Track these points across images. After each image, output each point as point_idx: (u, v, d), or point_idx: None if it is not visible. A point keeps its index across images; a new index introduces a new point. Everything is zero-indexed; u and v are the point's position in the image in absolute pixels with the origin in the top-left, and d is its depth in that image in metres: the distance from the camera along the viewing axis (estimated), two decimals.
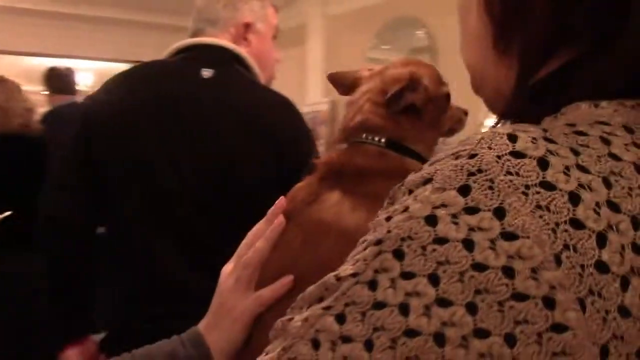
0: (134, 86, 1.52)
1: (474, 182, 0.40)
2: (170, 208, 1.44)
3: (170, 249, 1.42)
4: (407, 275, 0.40)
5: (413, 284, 0.39)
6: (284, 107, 1.53)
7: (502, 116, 0.52)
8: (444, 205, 0.40)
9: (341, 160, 0.68)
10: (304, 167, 1.31)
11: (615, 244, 0.39)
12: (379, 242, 0.42)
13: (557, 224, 0.39)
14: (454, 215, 0.40)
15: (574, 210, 0.39)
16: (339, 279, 0.44)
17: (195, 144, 1.45)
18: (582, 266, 0.38)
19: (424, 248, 0.40)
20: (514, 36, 0.49)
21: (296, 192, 0.70)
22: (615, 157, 0.42)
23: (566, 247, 0.38)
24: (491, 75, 0.54)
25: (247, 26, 1.60)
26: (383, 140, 0.67)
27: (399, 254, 0.41)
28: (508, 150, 0.41)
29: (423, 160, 0.69)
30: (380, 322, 0.40)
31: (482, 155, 0.41)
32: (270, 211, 0.71)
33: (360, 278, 0.42)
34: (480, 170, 0.40)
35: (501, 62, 0.51)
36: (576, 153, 0.41)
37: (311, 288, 0.47)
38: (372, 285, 0.41)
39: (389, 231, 0.42)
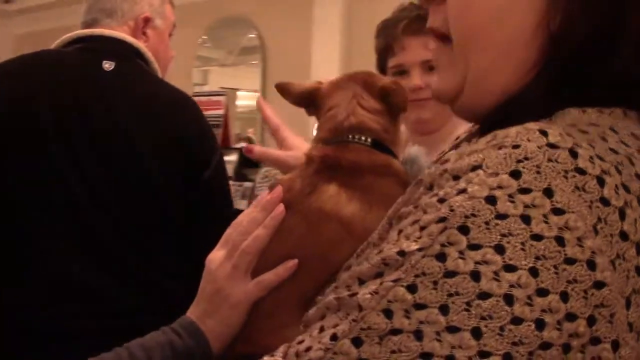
0: (28, 75, 1.46)
1: (523, 167, 0.47)
2: (74, 207, 1.39)
3: (74, 249, 1.38)
4: (474, 247, 0.46)
5: (481, 254, 0.45)
6: (187, 104, 1.53)
7: (493, 120, 0.56)
8: (500, 187, 0.47)
9: (336, 155, 0.72)
10: (209, 164, 1.46)
11: (631, 217, 0.48)
12: (442, 219, 0.47)
13: (591, 202, 0.47)
14: (510, 195, 0.46)
15: (601, 190, 0.47)
16: (402, 254, 0.48)
17: (98, 138, 1.41)
18: (612, 235, 0.47)
19: (487, 223, 0.46)
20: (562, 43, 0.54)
21: (291, 183, 0.73)
22: (614, 151, 0.50)
23: (599, 220, 0.46)
24: (503, 85, 0.57)
25: (147, 21, 1.59)
26: (369, 140, 0.74)
27: (464, 229, 0.46)
28: (545, 142, 0.48)
29: (397, 159, 0.79)
30: (454, 289, 0.45)
31: (525, 146, 0.48)
32: (265, 200, 0.72)
33: (428, 252, 0.47)
34: (526, 158, 0.47)
35: (524, 73, 0.56)
36: (592, 146, 0.49)
37: (361, 267, 0.51)
38: (441, 257, 0.46)
39: (451, 210, 0.47)
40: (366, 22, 5.46)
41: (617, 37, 0.54)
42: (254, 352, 0.62)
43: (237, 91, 5.74)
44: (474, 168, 0.48)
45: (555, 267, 0.45)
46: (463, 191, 0.47)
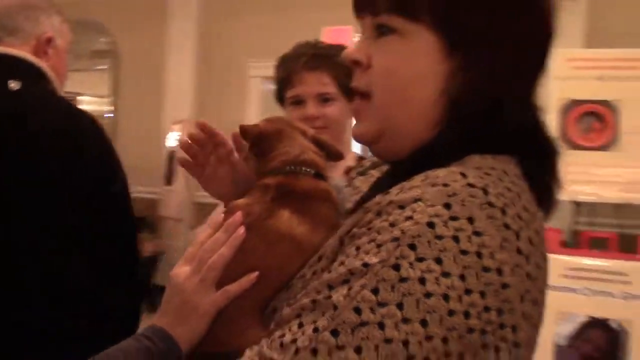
0: None
1: (453, 201, 0.62)
2: None
3: None
4: (420, 260, 0.60)
5: (426, 264, 0.59)
6: (93, 125, 1.52)
7: (415, 160, 0.72)
8: (437, 215, 0.61)
9: (290, 183, 0.85)
10: (111, 184, 1.49)
11: (524, 237, 0.64)
12: (395, 239, 0.61)
13: (498, 227, 0.62)
14: (444, 222, 0.61)
15: (504, 218, 0.63)
16: (366, 265, 0.61)
17: (5, 158, 1.37)
18: (511, 250, 0.63)
19: (429, 242, 0.60)
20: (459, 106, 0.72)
21: (249, 208, 0.83)
22: (509, 189, 0.67)
23: (504, 239, 0.62)
24: (420, 132, 0.74)
25: (49, 41, 1.58)
26: (313, 172, 0.88)
27: (412, 246, 0.60)
28: (466, 182, 0.64)
29: None
30: (407, 290, 0.59)
31: (453, 185, 0.63)
32: (227, 223, 0.82)
33: (386, 263, 0.60)
34: (454, 194, 0.62)
35: (433, 125, 0.73)
36: (496, 185, 0.65)
37: (329, 276, 0.64)
38: (396, 267, 0.60)
39: (402, 232, 0.61)
40: (221, 28, 5.99)
41: (503, 101, 0.71)
42: (222, 351, 0.78)
43: (78, 96, 5.45)
44: (416, 200, 0.63)
45: (476, 273, 0.60)
46: (410, 218, 0.62)
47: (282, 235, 0.82)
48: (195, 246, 0.85)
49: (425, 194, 0.64)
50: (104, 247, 1.41)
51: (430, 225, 0.62)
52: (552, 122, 4.15)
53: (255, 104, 5.93)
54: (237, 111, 5.83)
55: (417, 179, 0.67)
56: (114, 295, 1.40)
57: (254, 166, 0.94)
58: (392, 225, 0.63)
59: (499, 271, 0.62)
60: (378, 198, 0.68)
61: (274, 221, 0.83)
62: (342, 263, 0.65)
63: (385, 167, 0.94)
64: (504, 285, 0.62)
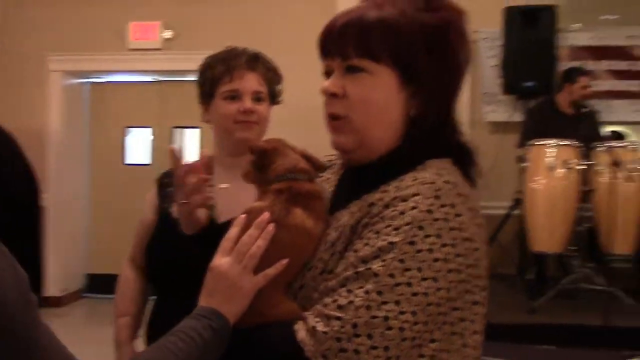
0: None
1: (440, 194, 0.91)
2: None
3: None
4: (427, 236, 0.88)
5: (430, 240, 0.88)
6: (9, 141, 1.57)
7: (385, 165, 0.99)
8: (432, 204, 0.90)
9: (295, 188, 1.02)
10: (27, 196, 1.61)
11: (478, 215, 0.95)
12: (408, 223, 0.89)
13: (469, 209, 0.93)
14: (437, 208, 0.90)
15: (468, 202, 0.94)
16: (392, 243, 0.88)
17: None
18: (478, 225, 0.95)
19: (430, 224, 0.89)
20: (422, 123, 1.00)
21: (269, 208, 1.00)
22: (461, 182, 0.97)
23: (471, 217, 0.93)
24: (387, 142, 1.00)
25: None
26: (307, 177, 1.05)
27: (420, 227, 0.89)
28: (444, 180, 0.93)
29: None
30: (422, 258, 0.88)
31: (437, 182, 0.93)
32: (257, 222, 0.98)
33: (405, 240, 0.88)
34: (440, 189, 0.91)
35: (397, 138, 1.00)
36: (456, 179, 0.96)
37: (360, 254, 0.90)
38: (412, 243, 0.88)
39: (412, 218, 0.89)
40: (17, 19, 5.55)
41: (445, 122, 1.02)
42: (263, 321, 0.96)
43: None
44: (414, 195, 0.91)
45: (461, 242, 0.90)
46: (414, 207, 0.90)
47: (299, 228, 1.00)
48: (228, 242, 1.00)
49: (420, 190, 0.92)
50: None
51: (429, 211, 0.90)
52: None
53: (57, 99, 5.75)
54: (37, 106, 5.60)
55: (409, 180, 0.95)
56: None
57: (255, 177, 1.09)
58: (402, 213, 0.91)
59: (472, 240, 0.92)
60: (379, 195, 0.95)
61: (292, 218, 1.01)
62: (366, 244, 0.91)
63: (334, 169, 1.16)
64: (476, 249, 0.93)
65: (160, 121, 6.20)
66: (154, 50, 5.72)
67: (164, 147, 6.04)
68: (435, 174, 0.95)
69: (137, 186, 6.09)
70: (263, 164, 1.08)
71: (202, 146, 5.99)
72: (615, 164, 3.88)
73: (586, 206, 4.31)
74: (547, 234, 4.21)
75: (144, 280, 1.72)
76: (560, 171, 4.16)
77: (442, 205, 0.91)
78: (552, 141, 4.24)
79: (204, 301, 0.99)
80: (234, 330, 0.97)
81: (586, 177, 4.21)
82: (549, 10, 5.10)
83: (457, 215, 0.91)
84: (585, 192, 4.23)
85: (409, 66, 0.99)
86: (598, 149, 4.24)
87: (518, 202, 4.43)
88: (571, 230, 4.25)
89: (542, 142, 4.27)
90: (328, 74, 1.04)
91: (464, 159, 1.04)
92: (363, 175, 1.03)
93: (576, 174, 4.17)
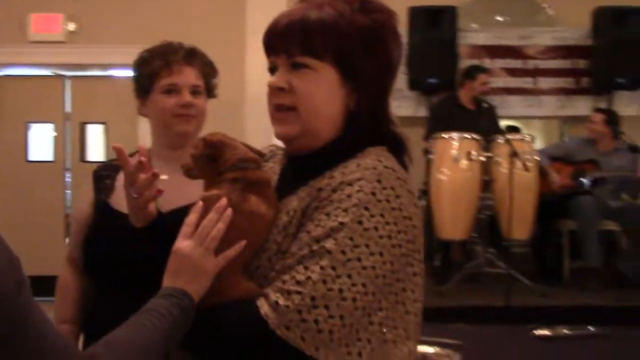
0: None
1: (381, 178, 1.01)
2: None
3: None
4: (372, 215, 0.98)
5: (376, 219, 0.98)
6: None
7: (327, 153, 1.09)
8: (375, 188, 1.00)
9: (248, 176, 1.09)
10: None
11: (414, 196, 1.06)
12: (355, 204, 0.99)
13: (407, 191, 1.04)
14: (380, 191, 1.00)
15: (406, 185, 1.04)
16: (342, 224, 0.98)
17: None
18: (416, 205, 1.05)
19: (374, 205, 0.99)
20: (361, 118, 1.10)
21: (227, 195, 1.07)
22: (398, 167, 1.07)
23: (409, 198, 1.04)
24: (329, 132, 1.09)
25: None
26: (255, 166, 1.13)
27: (366, 208, 0.99)
28: (384, 165, 1.03)
29: None
30: (368, 235, 0.98)
31: (378, 168, 1.03)
32: (216, 207, 1.04)
33: (353, 220, 0.98)
34: (381, 174, 1.02)
35: (338, 129, 1.10)
36: (394, 165, 1.06)
37: (313, 234, 0.99)
38: (360, 222, 0.98)
39: (358, 199, 0.99)
40: None
41: (380, 115, 1.13)
42: (223, 300, 1.02)
43: None
44: (359, 179, 1.01)
45: (401, 221, 1.01)
46: (360, 191, 1.00)
47: (255, 214, 1.08)
48: (189, 227, 1.06)
49: (364, 175, 1.02)
50: None
51: (373, 194, 1.00)
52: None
53: None
54: None
55: (353, 166, 1.04)
56: None
57: (203, 169, 1.14)
58: (349, 196, 1.00)
59: (411, 218, 1.03)
60: (327, 181, 1.05)
61: (248, 204, 1.08)
62: (318, 225, 1.00)
63: (277, 159, 1.24)
64: (414, 226, 1.04)
65: (63, 116, 5.99)
66: (57, 43, 5.53)
67: (67, 143, 5.91)
68: (376, 160, 1.05)
69: (40, 184, 5.92)
70: (215, 155, 1.13)
71: (107, 142, 5.87)
72: (513, 155, 4.16)
73: (487, 195, 4.62)
74: (452, 222, 4.46)
75: (84, 283, 1.66)
76: (464, 163, 4.43)
77: (384, 188, 1.01)
78: (456, 134, 4.49)
79: (168, 282, 1.04)
80: (197, 309, 1.02)
81: (487, 168, 4.51)
82: (451, 10, 5.38)
83: (397, 196, 1.02)
84: (487, 182, 4.54)
85: (348, 64, 1.07)
86: (497, 141, 4.54)
87: (424, 193, 4.64)
88: (474, 218, 4.53)
89: (446, 136, 4.52)
90: (272, 69, 1.11)
91: (397, 147, 1.13)
92: (308, 163, 1.11)
93: (478, 165, 4.45)
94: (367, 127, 1.10)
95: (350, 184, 1.01)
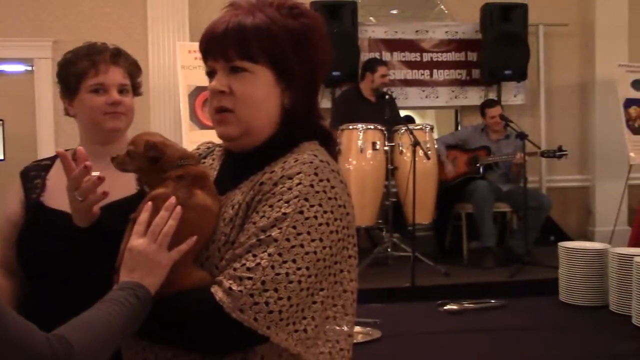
0: None
1: (318, 171, 1.10)
2: None
3: None
4: (312, 206, 1.07)
5: (315, 209, 1.07)
6: None
7: (265, 147, 1.17)
8: (312, 180, 1.08)
9: (192, 171, 1.17)
10: None
11: (346, 185, 1.16)
12: (296, 196, 1.07)
13: (340, 181, 1.13)
14: (317, 182, 1.09)
15: (339, 176, 1.14)
16: (285, 214, 1.06)
17: None
18: (349, 194, 1.16)
19: (313, 196, 1.08)
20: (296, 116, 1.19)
21: (174, 193, 1.13)
22: (332, 160, 1.16)
23: (342, 188, 1.13)
24: (268, 130, 1.17)
25: None
26: (194, 162, 1.20)
27: (306, 199, 1.07)
28: (319, 159, 1.12)
29: None
30: (309, 223, 1.06)
31: (314, 161, 1.11)
32: (166, 205, 1.11)
33: (295, 210, 1.06)
34: (317, 167, 1.10)
35: (274, 126, 1.18)
36: (327, 158, 1.15)
37: (259, 225, 1.07)
38: (301, 212, 1.06)
39: (299, 192, 1.07)
40: None
41: (311, 110, 1.23)
42: (178, 290, 1.09)
43: None
44: (298, 173, 1.10)
45: (337, 209, 1.11)
46: (299, 183, 1.09)
47: (203, 207, 1.14)
48: (141, 226, 1.12)
49: (302, 169, 1.10)
50: None
51: (311, 186, 1.09)
52: (184, 105, 4.67)
53: None
54: None
55: (291, 161, 1.12)
56: None
57: (144, 166, 1.19)
58: (290, 189, 1.08)
59: (345, 206, 1.13)
60: (268, 175, 1.12)
61: (195, 199, 1.14)
62: (263, 216, 1.08)
63: (214, 155, 1.31)
64: (348, 214, 1.14)
65: None
66: None
67: None
68: (312, 154, 1.13)
69: None
70: (155, 155, 1.18)
71: (4, 139, 5.62)
72: (416, 144, 4.38)
73: (391, 183, 4.85)
74: (359, 210, 4.61)
75: (18, 288, 1.62)
76: (369, 152, 4.63)
77: (321, 180, 1.10)
78: (360, 125, 4.68)
79: (125, 277, 1.09)
80: (154, 300, 1.08)
81: (391, 157, 4.73)
82: (351, 4, 5.55)
83: (332, 187, 1.11)
84: (391, 171, 4.76)
85: (282, 65, 1.15)
86: (400, 131, 4.77)
87: None
88: (380, 205, 4.74)
89: (352, 127, 4.70)
90: (210, 74, 1.18)
91: (327, 141, 1.23)
92: (248, 160, 1.19)
93: (383, 155, 4.67)
94: (300, 122, 1.19)
95: (290, 178, 1.09)
